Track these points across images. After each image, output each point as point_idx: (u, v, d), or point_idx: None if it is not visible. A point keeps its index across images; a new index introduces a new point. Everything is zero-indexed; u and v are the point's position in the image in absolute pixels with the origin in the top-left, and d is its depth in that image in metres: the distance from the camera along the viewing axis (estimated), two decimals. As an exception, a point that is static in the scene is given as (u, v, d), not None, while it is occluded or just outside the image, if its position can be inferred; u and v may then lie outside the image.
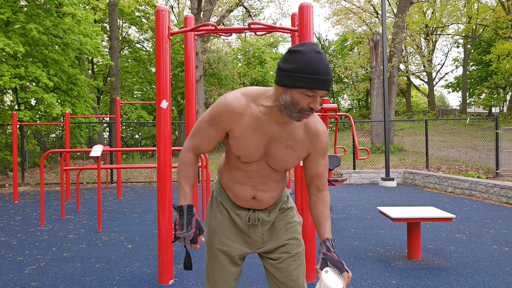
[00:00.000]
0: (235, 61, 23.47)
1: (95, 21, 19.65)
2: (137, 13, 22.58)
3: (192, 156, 1.55)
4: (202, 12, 15.21)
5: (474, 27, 24.59)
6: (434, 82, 31.34)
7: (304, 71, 1.27)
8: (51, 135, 17.11)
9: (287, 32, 3.33)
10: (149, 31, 23.74)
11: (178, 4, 23.99)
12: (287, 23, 58.47)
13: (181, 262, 3.74)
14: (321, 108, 6.35)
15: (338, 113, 6.59)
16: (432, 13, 26.06)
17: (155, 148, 4.35)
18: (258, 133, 1.45)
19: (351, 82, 32.99)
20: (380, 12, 20.64)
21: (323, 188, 1.62)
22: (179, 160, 1.57)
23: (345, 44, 30.74)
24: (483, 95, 29.00)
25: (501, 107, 31.26)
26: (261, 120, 1.44)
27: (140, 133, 22.42)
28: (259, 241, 1.62)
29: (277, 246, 1.61)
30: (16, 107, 13.66)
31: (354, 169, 11.30)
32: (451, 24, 25.46)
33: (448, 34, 28.42)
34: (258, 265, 3.63)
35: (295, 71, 1.28)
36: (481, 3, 22.22)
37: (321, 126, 1.50)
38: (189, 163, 1.54)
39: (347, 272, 1.44)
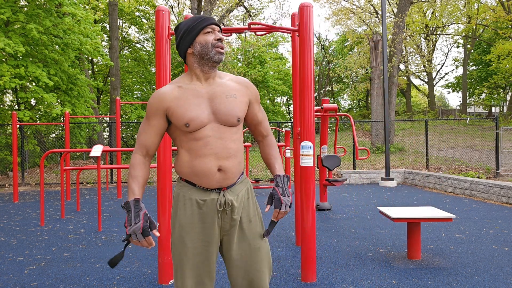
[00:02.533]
0: (235, 61, 23.44)
1: (95, 21, 19.65)
2: (137, 13, 22.58)
3: (138, 157, 1.61)
4: (202, 12, 15.22)
5: (474, 27, 24.59)
6: (434, 82, 31.34)
7: (190, 23, 1.59)
8: (51, 135, 17.11)
9: (287, 32, 3.33)
10: (149, 31, 23.74)
11: (178, 4, 24.00)
12: (287, 23, 58.45)
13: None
14: (321, 108, 6.36)
15: (338, 113, 6.60)
16: (432, 13, 26.06)
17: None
18: (194, 96, 1.58)
19: (351, 82, 32.97)
20: (380, 12, 20.64)
21: (267, 134, 1.81)
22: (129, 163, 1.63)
23: (345, 44, 30.72)
24: (483, 95, 28.98)
25: (501, 107, 31.25)
26: (190, 88, 1.59)
27: (140, 133, 22.37)
28: (226, 227, 1.63)
29: (240, 239, 1.64)
30: (16, 107, 13.65)
31: (354, 169, 11.30)
32: (451, 24, 25.47)
33: (448, 34, 28.43)
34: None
35: (186, 30, 1.59)
36: (481, 3, 22.21)
37: (246, 79, 1.71)
38: (136, 164, 1.60)
39: (281, 209, 1.63)
